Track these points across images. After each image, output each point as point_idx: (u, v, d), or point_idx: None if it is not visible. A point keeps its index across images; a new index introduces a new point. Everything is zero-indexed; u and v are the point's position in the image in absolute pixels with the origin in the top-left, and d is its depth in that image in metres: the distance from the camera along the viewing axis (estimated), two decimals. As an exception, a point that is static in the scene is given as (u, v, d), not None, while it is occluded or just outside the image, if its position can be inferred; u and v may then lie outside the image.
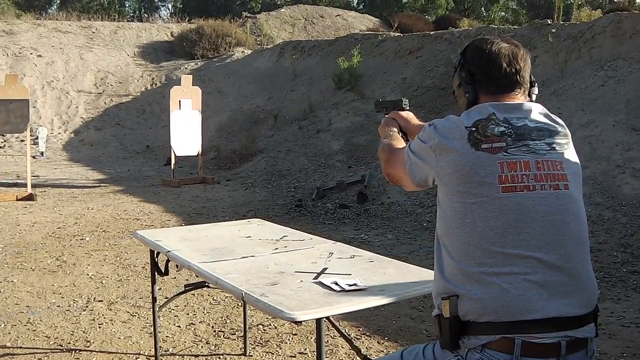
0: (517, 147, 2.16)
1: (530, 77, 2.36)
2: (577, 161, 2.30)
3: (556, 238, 2.12)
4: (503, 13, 42.63)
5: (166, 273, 4.14)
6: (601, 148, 9.41)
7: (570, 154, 2.27)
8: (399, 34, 20.05)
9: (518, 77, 2.31)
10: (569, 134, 2.31)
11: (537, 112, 2.27)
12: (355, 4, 46.42)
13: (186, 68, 21.87)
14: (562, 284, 2.09)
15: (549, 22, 14.78)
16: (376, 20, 32.58)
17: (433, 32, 18.41)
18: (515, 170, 2.13)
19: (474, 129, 2.17)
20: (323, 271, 3.19)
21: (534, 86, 2.38)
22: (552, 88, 11.98)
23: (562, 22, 15.58)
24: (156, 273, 4.19)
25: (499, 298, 2.04)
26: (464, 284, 2.10)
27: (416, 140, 2.34)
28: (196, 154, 13.87)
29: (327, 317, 3.50)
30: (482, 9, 42.30)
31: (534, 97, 2.38)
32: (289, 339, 5.04)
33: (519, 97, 2.31)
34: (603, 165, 9.02)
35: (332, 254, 3.59)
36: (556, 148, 2.23)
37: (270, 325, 5.31)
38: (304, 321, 2.65)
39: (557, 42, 13.23)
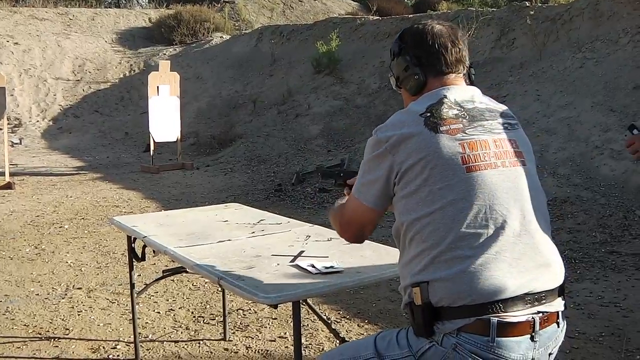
0: (473, 128, 2.18)
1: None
2: (528, 141, 2.34)
3: (522, 213, 2.14)
4: (482, -4, 42.61)
5: (143, 259, 4.11)
6: (579, 129, 9.44)
7: (521, 133, 2.32)
8: (378, 17, 20.00)
9: (461, 56, 2.34)
10: (515, 117, 2.36)
11: (482, 95, 2.33)
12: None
13: (164, 54, 21.72)
14: (531, 259, 2.11)
15: (527, 4, 14.80)
16: (355, 4, 32.46)
17: (412, 15, 18.42)
18: (476, 150, 2.14)
19: (428, 114, 2.18)
20: (300, 254, 3.18)
21: (472, 66, 2.41)
22: (530, 70, 12.03)
23: (540, 4, 15.60)
24: (134, 259, 4.17)
25: (472, 280, 2.03)
26: (434, 271, 2.08)
27: (360, 169, 2.30)
28: (175, 140, 13.79)
29: (305, 300, 3.51)
30: (461, -9, 42.24)
31: (473, 78, 2.41)
32: (268, 323, 5.04)
33: (462, 78, 2.35)
34: (581, 147, 9.06)
35: (309, 236, 3.58)
36: (508, 127, 2.27)
37: (250, 309, 5.30)
38: (280, 304, 2.64)
39: (535, 24, 13.25)
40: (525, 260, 2.09)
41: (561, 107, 10.09)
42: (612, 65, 10.65)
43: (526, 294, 2.06)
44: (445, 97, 2.23)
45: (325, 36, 17.45)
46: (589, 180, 8.31)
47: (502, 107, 2.34)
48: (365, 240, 2.48)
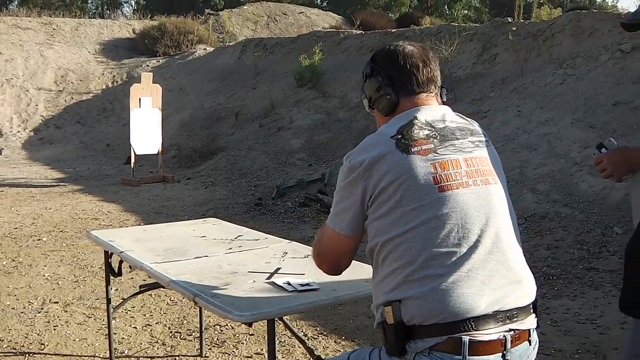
0: (444, 147, 2.20)
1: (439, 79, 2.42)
2: (499, 158, 2.36)
3: (493, 231, 2.15)
4: (466, 11, 42.86)
5: (119, 274, 4.09)
6: (559, 145, 9.48)
7: (492, 151, 2.34)
8: (361, 31, 20.06)
9: (433, 76, 2.36)
10: (486, 134, 2.39)
11: (453, 114, 2.35)
12: (318, 2, 46.34)
13: (148, 65, 21.70)
14: (503, 277, 2.12)
15: (510, 20, 14.90)
16: (339, 17, 32.61)
17: (395, 30, 18.48)
18: (447, 169, 2.16)
19: (399, 136, 2.19)
20: (276, 271, 3.17)
21: (444, 87, 2.43)
22: (512, 86, 12.08)
23: (522, 20, 15.72)
24: (110, 274, 4.15)
25: (443, 299, 2.03)
26: (407, 289, 2.08)
27: (334, 197, 2.33)
28: (156, 152, 13.75)
29: (281, 318, 3.49)
30: (445, 7, 42.49)
31: (444, 97, 2.43)
32: (245, 340, 5.01)
33: (434, 97, 2.37)
34: (561, 163, 9.09)
35: (286, 253, 3.57)
36: (479, 145, 2.30)
37: (227, 325, 5.27)
38: (254, 322, 2.63)
39: (517, 40, 13.33)
40: (497, 277, 2.10)
41: (541, 123, 10.13)
42: (593, 81, 10.71)
43: (497, 311, 2.07)
44: (416, 118, 2.24)
45: (308, 50, 17.48)
46: (568, 196, 8.33)
47: (473, 125, 2.36)
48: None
